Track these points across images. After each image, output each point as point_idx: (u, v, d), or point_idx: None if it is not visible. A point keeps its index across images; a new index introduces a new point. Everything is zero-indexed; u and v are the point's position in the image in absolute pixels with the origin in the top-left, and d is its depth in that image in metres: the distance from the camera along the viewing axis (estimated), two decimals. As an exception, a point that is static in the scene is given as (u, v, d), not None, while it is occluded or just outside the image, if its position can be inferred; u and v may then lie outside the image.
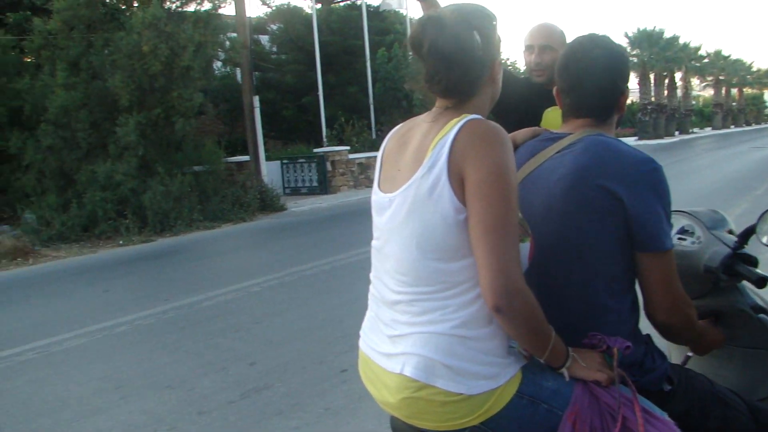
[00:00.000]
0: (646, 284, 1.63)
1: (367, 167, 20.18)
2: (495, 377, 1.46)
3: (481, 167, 1.41)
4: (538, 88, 2.92)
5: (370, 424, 3.71)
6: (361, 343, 1.68)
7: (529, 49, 2.93)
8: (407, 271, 1.52)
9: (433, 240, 1.47)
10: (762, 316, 1.98)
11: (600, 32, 1.82)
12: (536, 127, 1.97)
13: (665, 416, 1.56)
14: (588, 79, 1.74)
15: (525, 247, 1.53)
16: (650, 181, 1.58)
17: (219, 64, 18.47)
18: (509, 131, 2.46)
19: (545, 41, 2.91)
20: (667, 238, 1.58)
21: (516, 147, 1.89)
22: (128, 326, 6.10)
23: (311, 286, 7.24)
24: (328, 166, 18.82)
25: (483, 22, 1.56)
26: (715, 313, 2.03)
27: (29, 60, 14.75)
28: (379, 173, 1.67)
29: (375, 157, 19.59)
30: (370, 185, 19.94)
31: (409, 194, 1.50)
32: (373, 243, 1.66)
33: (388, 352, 1.54)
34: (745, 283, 2.01)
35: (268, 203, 15.31)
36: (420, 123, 1.62)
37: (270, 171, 17.47)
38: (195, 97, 14.02)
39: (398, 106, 24.03)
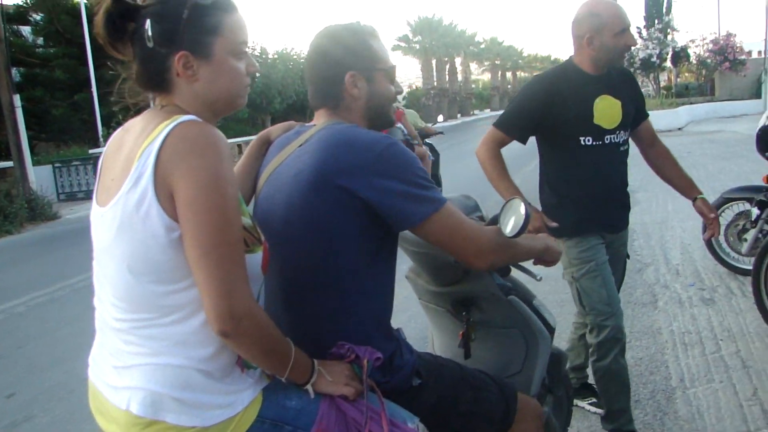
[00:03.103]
0: (442, 247, 1.61)
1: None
2: (231, 405, 1.36)
3: (191, 180, 1.26)
4: (588, 77, 2.79)
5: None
6: (90, 373, 1.51)
7: (624, 31, 2.69)
8: (123, 297, 1.36)
9: (146, 262, 1.31)
10: (511, 297, 2.04)
11: (373, 22, 1.78)
12: (291, 121, 1.90)
13: (416, 421, 1.56)
14: (312, 68, 1.74)
15: (256, 258, 1.41)
16: (384, 163, 1.52)
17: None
18: (568, 128, 2.72)
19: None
20: (420, 206, 1.53)
21: (270, 142, 1.83)
22: None
23: (84, 299, 6.55)
24: (108, 167, 17.46)
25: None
26: (469, 298, 2.04)
27: None
28: (97, 182, 1.47)
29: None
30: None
31: (117, 210, 1.33)
32: (93, 263, 1.48)
33: (114, 384, 1.39)
34: None
35: (38, 212, 13.87)
36: (136, 123, 1.44)
37: (41, 176, 15.91)
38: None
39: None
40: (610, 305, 2.77)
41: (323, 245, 1.56)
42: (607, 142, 2.76)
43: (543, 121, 2.76)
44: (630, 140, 2.93)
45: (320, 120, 1.72)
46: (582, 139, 2.74)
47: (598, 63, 2.75)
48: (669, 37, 26.53)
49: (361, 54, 1.69)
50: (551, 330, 2.16)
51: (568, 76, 2.80)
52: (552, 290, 4.76)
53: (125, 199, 1.31)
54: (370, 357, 1.50)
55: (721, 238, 5.27)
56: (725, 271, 5.38)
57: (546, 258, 1.86)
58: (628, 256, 3.14)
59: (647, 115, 3.03)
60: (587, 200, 2.83)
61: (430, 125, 10.89)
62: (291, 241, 1.58)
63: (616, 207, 2.95)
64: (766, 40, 23.60)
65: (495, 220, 1.94)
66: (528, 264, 1.96)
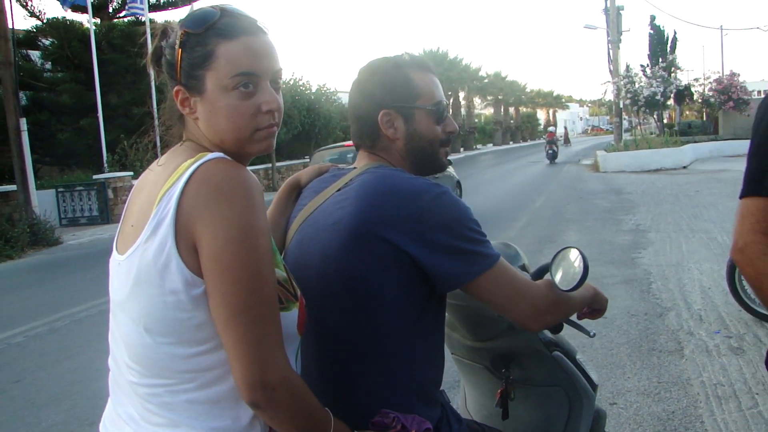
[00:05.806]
0: (491, 306, 1.47)
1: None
2: None
3: (218, 230, 1.10)
4: None
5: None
6: None
7: None
8: (140, 359, 1.20)
9: (163, 321, 1.16)
10: (556, 353, 1.90)
11: (389, 54, 1.61)
12: (324, 163, 1.75)
13: None
14: (350, 105, 1.62)
15: (292, 316, 1.25)
16: (433, 215, 1.37)
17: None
18: None
19: None
20: (470, 264, 1.38)
21: (300, 188, 1.68)
22: None
23: (86, 331, 6.42)
24: (110, 194, 17.34)
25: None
26: (510, 354, 1.90)
27: None
28: (120, 226, 1.31)
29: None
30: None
31: (134, 260, 1.17)
32: (110, 317, 1.32)
33: None
34: None
35: (40, 237, 13.64)
36: (161, 162, 1.29)
37: (43, 201, 15.67)
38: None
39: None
40: None
41: (362, 304, 1.40)
42: None
43: None
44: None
45: (361, 162, 1.58)
46: None
47: None
48: (672, 76, 26.73)
49: (397, 90, 1.53)
50: (595, 388, 2.00)
51: None
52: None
53: (143, 249, 1.16)
54: (418, 428, 1.33)
55: (746, 283, 5.09)
56: (751, 318, 5.19)
57: (595, 306, 1.70)
58: None
59: None
60: None
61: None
62: (326, 298, 1.42)
63: None
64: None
65: (542, 272, 1.80)
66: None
